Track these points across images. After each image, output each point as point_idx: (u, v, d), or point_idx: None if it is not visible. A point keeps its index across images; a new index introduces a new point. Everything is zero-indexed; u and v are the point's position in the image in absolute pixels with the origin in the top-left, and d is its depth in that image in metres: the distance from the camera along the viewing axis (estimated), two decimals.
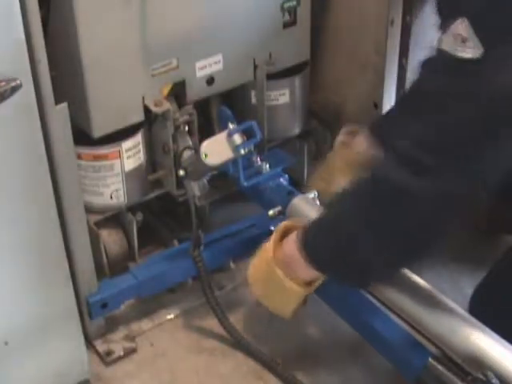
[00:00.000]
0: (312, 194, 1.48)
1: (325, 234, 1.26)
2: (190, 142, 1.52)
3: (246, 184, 1.48)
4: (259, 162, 1.52)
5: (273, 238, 1.34)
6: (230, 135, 1.41)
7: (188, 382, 1.47)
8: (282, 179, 1.53)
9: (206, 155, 1.39)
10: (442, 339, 1.22)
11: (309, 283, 1.32)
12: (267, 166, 1.52)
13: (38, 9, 1.15)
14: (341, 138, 1.55)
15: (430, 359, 1.26)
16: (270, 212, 1.47)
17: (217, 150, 1.41)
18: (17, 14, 1.09)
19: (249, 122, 1.43)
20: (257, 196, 1.55)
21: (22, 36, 1.10)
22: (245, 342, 1.50)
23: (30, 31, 1.14)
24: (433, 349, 1.26)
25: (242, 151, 1.41)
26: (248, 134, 1.43)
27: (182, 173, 1.48)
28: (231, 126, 1.43)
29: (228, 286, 1.65)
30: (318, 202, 1.47)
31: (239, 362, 1.49)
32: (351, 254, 1.21)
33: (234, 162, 1.46)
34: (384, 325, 1.33)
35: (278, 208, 1.47)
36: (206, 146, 1.40)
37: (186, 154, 1.51)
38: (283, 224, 1.36)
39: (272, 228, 1.56)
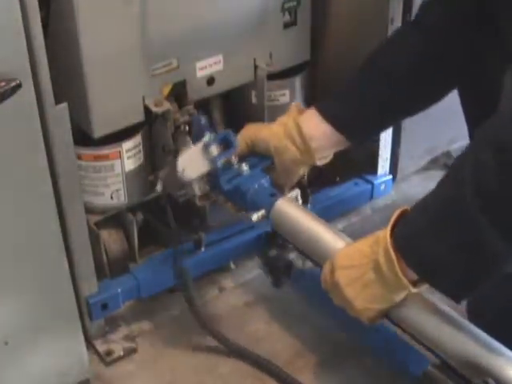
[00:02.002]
0: (295, 194, 1.43)
1: (432, 237, 1.09)
2: (189, 138, 1.49)
3: (226, 188, 1.43)
4: (238, 163, 1.45)
5: (390, 223, 1.16)
6: (205, 146, 1.38)
7: (188, 382, 1.47)
8: (263, 180, 1.46)
9: (183, 170, 1.37)
10: (441, 346, 1.19)
11: (414, 283, 1.16)
12: (247, 166, 1.45)
13: (38, 9, 1.15)
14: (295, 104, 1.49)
15: (429, 367, 1.23)
16: (254, 217, 1.40)
17: (193, 162, 1.38)
18: (17, 14, 1.09)
19: (224, 131, 1.40)
20: (239, 199, 1.48)
21: (22, 36, 1.10)
22: (240, 347, 1.48)
23: (29, 31, 1.14)
24: (432, 356, 1.24)
25: (219, 163, 1.38)
26: (225, 143, 1.39)
27: (158, 188, 1.46)
28: (207, 136, 1.39)
29: (228, 286, 1.65)
30: (300, 201, 1.43)
31: (239, 362, 1.49)
32: (477, 251, 1.05)
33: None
34: (383, 331, 1.32)
35: (262, 212, 1.41)
36: (182, 160, 1.38)
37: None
38: (400, 210, 1.18)
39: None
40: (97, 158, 1.47)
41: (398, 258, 1.13)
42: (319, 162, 1.46)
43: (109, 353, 1.50)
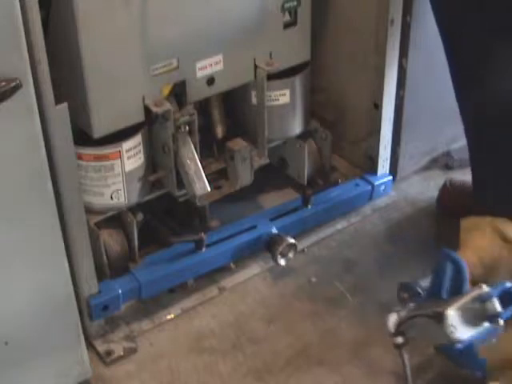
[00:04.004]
0: None
1: None
2: (189, 138, 1.45)
3: (461, 345, 1.17)
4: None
5: None
6: (481, 299, 1.17)
7: (188, 382, 1.47)
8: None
9: (453, 327, 1.14)
10: None
11: None
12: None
13: (38, 9, 1.15)
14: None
15: None
16: None
17: (466, 318, 1.15)
18: (17, 13, 1.09)
19: (503, 282, 1.19)
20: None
21: (22, 36, 1.10)
22: None
23: (29, 31, 1.14)
24: None
25: (502, 322, 1.16)
26: (505, 296, 1.18)
27: (400, 340, 1.21)
28: (485, 288, 1.17)
29: (228, 286, 1.65)
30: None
31: (239, 362, 1.49)
32: None
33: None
34: None
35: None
36: (454, 315, 1.14)
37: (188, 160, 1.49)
38: None
39: (274, 230, 1.55)
40: (97, 158, 1.47)
41: None
42: None
43: (109, 353, 1.50)
